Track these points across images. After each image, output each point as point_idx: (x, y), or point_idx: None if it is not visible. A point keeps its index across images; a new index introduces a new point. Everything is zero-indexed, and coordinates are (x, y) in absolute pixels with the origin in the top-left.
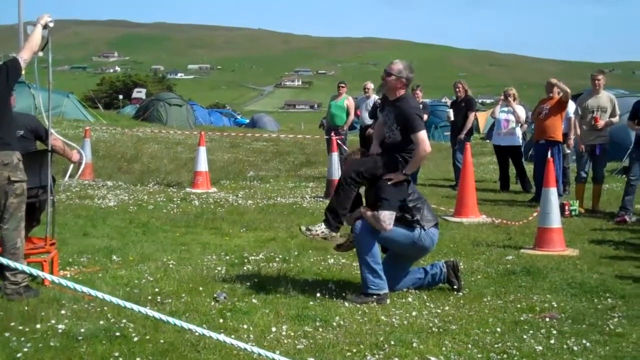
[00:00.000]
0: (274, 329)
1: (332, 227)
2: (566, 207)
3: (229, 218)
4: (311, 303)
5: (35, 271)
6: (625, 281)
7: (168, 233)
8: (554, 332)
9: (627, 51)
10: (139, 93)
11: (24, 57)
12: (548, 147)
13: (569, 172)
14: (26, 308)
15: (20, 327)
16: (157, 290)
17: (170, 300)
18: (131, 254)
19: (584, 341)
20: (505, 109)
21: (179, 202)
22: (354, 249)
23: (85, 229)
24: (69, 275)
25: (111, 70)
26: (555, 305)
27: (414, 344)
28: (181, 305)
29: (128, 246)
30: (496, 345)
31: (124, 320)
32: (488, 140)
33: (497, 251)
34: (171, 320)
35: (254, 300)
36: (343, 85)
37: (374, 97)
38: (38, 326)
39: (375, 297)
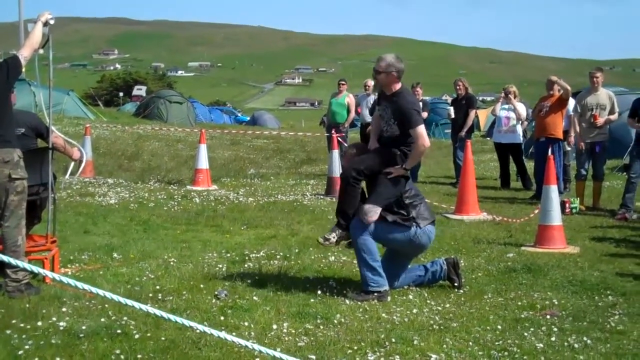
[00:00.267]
0: (275, 327)
1: (346, 228)
2: (567, 205)
3: (230, 215)
4: (312, 300)
5: (36, 269)
6: (626, 279)
7: (169, 230)
8: (555, 329)
9: (627, 49)
10: (140, 90)
11: (24, 54)
12: (548, 144)
13: (569, 170)
14: (27, 305)
15: (22, 325)
16: (158, 287)
17: (171, 298)
18: (132, 251)
19: (584, 338)
20: (506, 106)
21: (179, 199)
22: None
23: (86, 226)
24: (70, 273)
25: (111, 68)
26: (556, 303)
27: (415, 342)
28: (182, 303)
29: (129, 244)
30: (497, 343)
31: (125, 318)
32: (489, 138)
33: (497, 249)
34: (172, 317)
35: (254, 297)
36: (344, 82)
37: (375, 95)
38: (39, 324)
39: (375, 294)
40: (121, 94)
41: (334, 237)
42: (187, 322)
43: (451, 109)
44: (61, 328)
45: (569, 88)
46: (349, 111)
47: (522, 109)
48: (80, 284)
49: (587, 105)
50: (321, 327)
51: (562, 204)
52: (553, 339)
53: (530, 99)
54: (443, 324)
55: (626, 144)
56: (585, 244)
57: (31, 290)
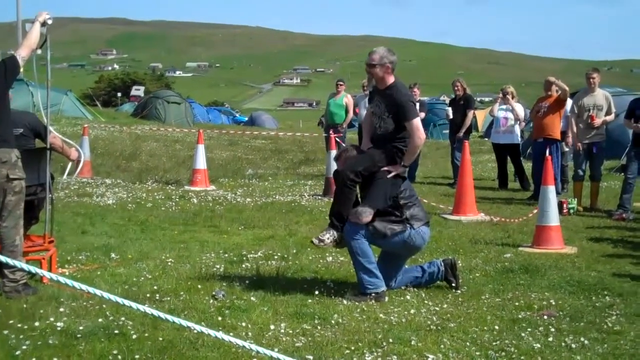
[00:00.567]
0: (272, 327)
1: (339, 229)
2: (564, 205)
3: (228, 216)
4: (310, 301)
5: (33, 269)
6: (623, 279)
7: (166, 231)
8: (552, 329)
9: (625, 49)
10: (138, 91)
11: (22, 54)
12: (546, 145)
13: (567, 170)
14: (25, 306)
15: (19, 325)
16: (155, 288)
17: (168, 298)
18: (130, 251)
19: (582, 339)
20: (504, 107)
21: (177, 199)
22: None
23: (84, 226)
24: (67, 273)
25: (109, 68)
26: (554, 303)
27: (412, 342)
28: (180, 303)
29: (126, 244)
30: (494, 343)
31: (123, 318)
32: (487, 139)
33: (495, 249)
34: (170, 317)
35: (252, 298)
36: (342, 83)
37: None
38: (37, 324)
39: (373, 295)
40: (119, 94)
41: (328, 239)
42: (184, 323)
43: (449, 110)
44: (59, 328)
45: (566, 89)
46: (347, 112)
47: (520, 110)
48: (77, 284)
49: (584, 106)
50: (319, 327)
51: (560, 205)
52: (550, 339)
53: (528, 99)
54: (440, 325)
55: (624, 145)
56: (582, 245)
57: (29, 290)
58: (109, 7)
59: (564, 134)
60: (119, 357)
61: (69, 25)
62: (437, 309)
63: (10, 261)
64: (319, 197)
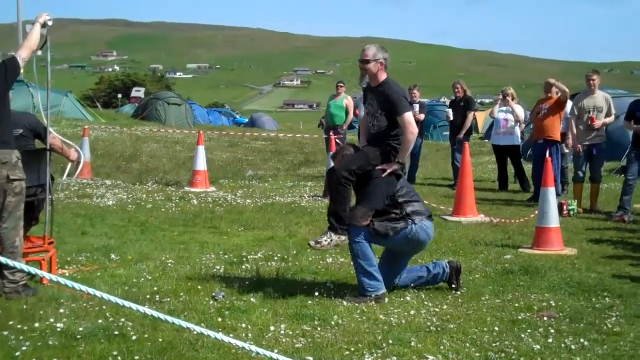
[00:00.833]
0: (272, 328)
1: (339, 230)
2: (564, 207)
3: (228, 217)
4: (309, 302)
5: (33, 270)
6: (623, 280)
7: (166, 232)
8: (552, 331)
9: (625, 51)
10: (138, 92)
11: (22, 55)
12: (546, 146)
13: (567, 172)
14: (25, 307)
15: (19, 326)
16: (155, 289)
17: (168, 299)
18: (130, 252)
19: (581, 340)
20: (504, 108)
21: (177, 201)
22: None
23: (84, 227)
24: (67, 274)
25: (110, 69)
26: (553, 304)
27: (412, 343)
28: (179, 304)
29: (126, 245)
30: (494, 344)
31: (123, 319)
32: (487, 140)
33: (495, 250)
34: (169, 319)
35: (252, 299)
36: (342, 84)
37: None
38: (36, 325)
39: (373, 296)
40: (119, 95)
41: (325, 241)
42: (184, 324)
43: (449, 111)
44: (58, 329)
45: (566, 90)
46: (347, 113)
47: (520, 111)
48: (77, 285)
49: (584, 108)
50: (318, 328)
51: (560, 206)
52: (550, 340)
53: (528, 101)
54: (440, 326)
55: (624, 146)
56: (582, 246)
57: (28, 291)
58: (110, 8)
59: (564, 135)
60: (119, 358)
61: (69, 26)
62: (437, 310)
63: (10, 262)
64: (319, 199)
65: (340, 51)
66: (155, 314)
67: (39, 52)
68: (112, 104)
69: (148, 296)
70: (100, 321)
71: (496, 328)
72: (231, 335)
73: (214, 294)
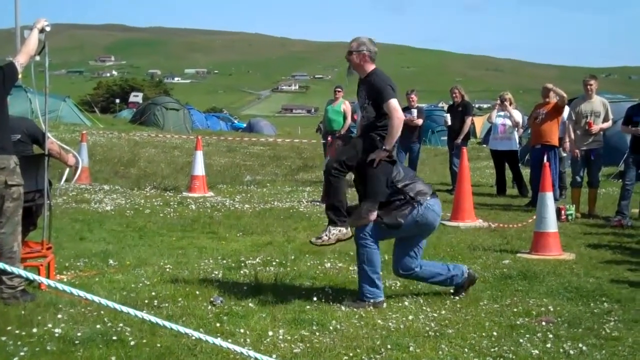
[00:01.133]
0: (270, 333)
1: (338, 223)
2: (562, 212)
3: (226, 222)
4: (308, 307)
5: (31, 275)
6: (622, 285)
7: (165, 237)
8: (551, 336)
9: (623, 56)
10: (136, 97)
11: (20, 61)
12: (544, 151)
13: (565, 177)
14: (23, 312)
15: (17, 331)
16: (153, 294)
17: (166, 305)
18: (128, 258)
19: (580, 345)
20: (502, 113)
21: (175, 206)
22: (352, 251)
23: (82, 233)
24: (65, 280)
25: (108, 75)
26: (552, 309)
27: (411, 348)
28: (178, 310)
29: (125, 250)
30: (492, 349)
31: (121, 325)
32: (485, 145)
33: (493, 255)
34: (168, 324)
35: (250, 304)
36: (340, 89)
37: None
38: (35, 330)
39: (371, 302)
40: (117, 100)
41: (326, 236)
42: (182, 329)
43: (447, 116)
44: (57, 335)
45: (564, 95)
46: (345, 118)
47: (518, 116)
48: (75, 291)
49: (582, 113)
50: (317, 333)
51: (558, 211)
52: (548, 345)
53: (526, 106)
54: (439, 331)
55: (622, 151)
56: (580, 251)
57: (27, 297)
58: (107, 13)
59: (561, 140)
60: None
61: (67, 31)
62: (436, 315)
63: (9, 268)
64: (317, 203)
65: (338, 56)
66: (154, 319)
67: (37, 58)
68: (110, 109)
69: (146, 301)
70: (98, 326)
71: (495, 333)
72: (229, 340)
73: (212, 299)
